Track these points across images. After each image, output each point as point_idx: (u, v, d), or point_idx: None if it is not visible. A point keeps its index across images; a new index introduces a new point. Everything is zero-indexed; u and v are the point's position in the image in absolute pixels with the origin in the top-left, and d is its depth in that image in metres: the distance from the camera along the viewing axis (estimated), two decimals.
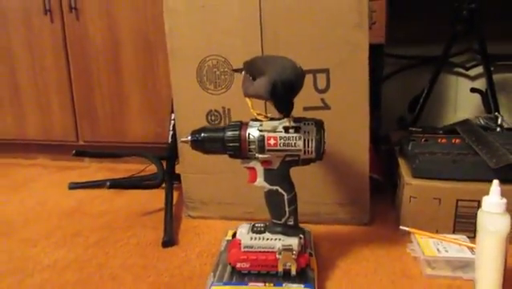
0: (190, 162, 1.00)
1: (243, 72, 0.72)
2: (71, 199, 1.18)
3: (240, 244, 0.72)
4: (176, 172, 1.16)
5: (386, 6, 1.19)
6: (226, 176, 0.98)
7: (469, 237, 0.81)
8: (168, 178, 1.12)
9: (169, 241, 0.91)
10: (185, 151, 1.00)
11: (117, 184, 1.11)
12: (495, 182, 0.64)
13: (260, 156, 0.69)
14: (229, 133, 0.70)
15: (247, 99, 0.72)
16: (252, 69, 0.70)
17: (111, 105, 1.42)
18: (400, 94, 1.49)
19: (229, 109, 0.95)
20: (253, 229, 0.74)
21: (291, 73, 0.64)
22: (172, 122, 1.18)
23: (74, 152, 1.11)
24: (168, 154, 1.19)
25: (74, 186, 1.22)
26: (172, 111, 1.15)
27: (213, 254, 0.84)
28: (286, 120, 0.69)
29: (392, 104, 1.45)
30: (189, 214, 1.04)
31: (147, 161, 1.26)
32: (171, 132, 1.19)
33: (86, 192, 1.22)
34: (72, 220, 1.06)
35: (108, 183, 1.04)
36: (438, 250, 0.77)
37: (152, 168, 1.24)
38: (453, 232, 0.85)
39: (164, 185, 1.12)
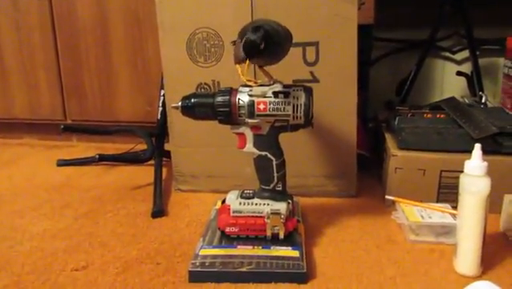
0: (180, 135, 1.01)
1: (237, 40, 0.73)
2: (60, 175, 1.18)
3: (229, 209, 0.74)
4: (166, 149, 1.17)
5: None
6: (216, 149, 0.99)
7: (452, 206, 0.83)
8: (158, 153, 1.13)
9: (159, 211, 0.92)
10: (175, 125, 1.01)
11: (107, 157, 1.11)
12: (477, 146, 0.66)
13: (250, 120, 0.71)
14: (219, 98, 0.71)
15: (237, 66, 0.73)
16: (241, 33, 0.71)
17: (100, 83, 1.41)
18: (389, 78, 1.51)
19: (218, 82, 0.96)
20: (243, 195, 0.76)
21: (273, 31, 0.65)
22: (162, 98, 1.18)
23: (62, 127, 1.10)
24: (158, 131, 1.19)
25: (62, 163, 1.22)
26: (162, 88, 1.15)
27: (203, 223, 0.86)
28: (276, 85, 0.71)
29: (381, 88, 1.47)
30: (179, 188, 1.05)
31: (136, 140, 1.26)
32: (160, 109, 1.19)
33: (74, 168, 1.22)
34: (61, 194, 1.06)
35: (97, 156, 1.05)
36: (422, 216, 0.80)
37: (141, 147, 1.25)
38: (437, 202, 0.88)
39: (153, 160, 1.13)
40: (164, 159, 1.15)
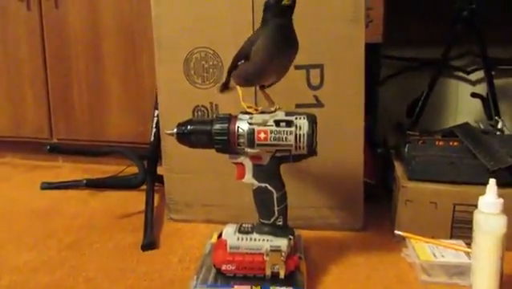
0: (174, 161, 1.02)
1: (239, 63, 0.74)
2: (44, 200, 1.18)
3: (226, 245, 0.74)
4: (158, 173, 1.17)
5: (384, 4, 1.23)
6: (212, 176, 1.00)
7: (466, 243, 0.83)
8: (150, 178, 1.14)
9: (149, 244, 0.92)
10: (169, 149, 1.02)
11: (94, 182, 1.11)
12: (492, 181, 0.67)
13: (249, 150, 0.72)
14: (217, 126, 0.72)
15: (238, 88, 0.75)
16: (241, 54, 0.73)
17: (90, 100, 1.43)
18: (398, 98, 1.52)
19: (216, 105, 0.97)
20: (240, 230, 0.76)
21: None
22: (156, 119, 1.19)
23: (48, 147, 1.11)
24: (150, 154, 1.20)
25: (46, 186, 1.22)
26: (156, 108, 1.17)
27: (197, 258, 0.86)
28: (277, 112, 0.72)
29: (390, 109, 1.48)
30: (171, 217, 1.05)
31: (126, 162, 1.27)
32: (154, 130, 1.20)
33: (59, 192, 1.22)
34: (44, 221, 1.06)
35: (85, 181, 1.05)
36: (434, 254, 0.80)
37: (132, 170, 1.25)
38: (450, 238, 0.88)
39: (144, 185, 1.13)
40: (157, 184, 1.16)
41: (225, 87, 0.82)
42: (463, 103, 1.54)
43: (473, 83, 1.53)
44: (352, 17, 0.90)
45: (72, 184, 1.19)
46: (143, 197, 1.08)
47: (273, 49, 0.70)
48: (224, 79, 0.82)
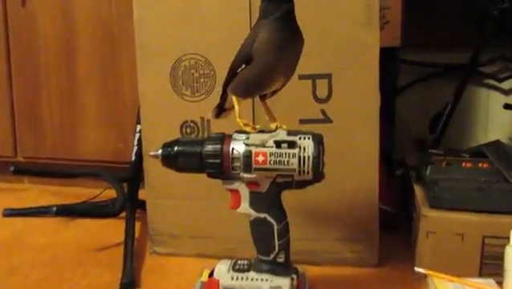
0: (158, 184, 1.03)
1: (238, 70, 0.75)
2: (6, 229, 1.19)
3: (218, 285, 0.75)
4: (140, 198, 1.18)
5: (402, 3, 1.25)
6: (202, 203, 1.01)
7: (498, 282, 0.84)
8: (130, 205, 1.14)
9: (129, 283, 0.92)
10: (153, 170, 1.03)
11: (66, 210, 1.12)
12: None
13: (245, 175, 0.73)
14: (208, 147, 0.73)
15: (234, 100, 0.75)
16: (239, 58, 0.75)
17: (61, 113, 1.44)
18: (419, 110, 1.54)
19: (208, 120, 0.99)
20: (235, 267, 0.77)
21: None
22: (138, 135, 1.21)
23: (12, 168, 1.12)
24: (131, 175, 1.21)
25: (10, 213, 1.22)
26: (138, 122, 1.18)
27: None
28: (278, 132, 0.73)
29: (409, 123, 1.50)
30: (155, 250, 1.06)
31: (103, 185, 1.28)
32: (135, 148, 1.21)
33: (25, 220, 1.23)
34: (7, 254, 1.07)
35: (55, 208, 1.06)
36: None
37: (109, 194, 1.26)
38: (479, 276, 0.89)
39: (124, 213, 1.14)
40: (139, 211, 1.16)
41: (221, 110, 0.83)
42: (494, 116, 1.55)
43: (506, 93, 1.55)
44: (365, 18, 0.92)
45: (40, 210, 1.20)
46: (122, 226, 1.09)
47: (279, 41, 0.70)
48: (218, 100, 0.82)
